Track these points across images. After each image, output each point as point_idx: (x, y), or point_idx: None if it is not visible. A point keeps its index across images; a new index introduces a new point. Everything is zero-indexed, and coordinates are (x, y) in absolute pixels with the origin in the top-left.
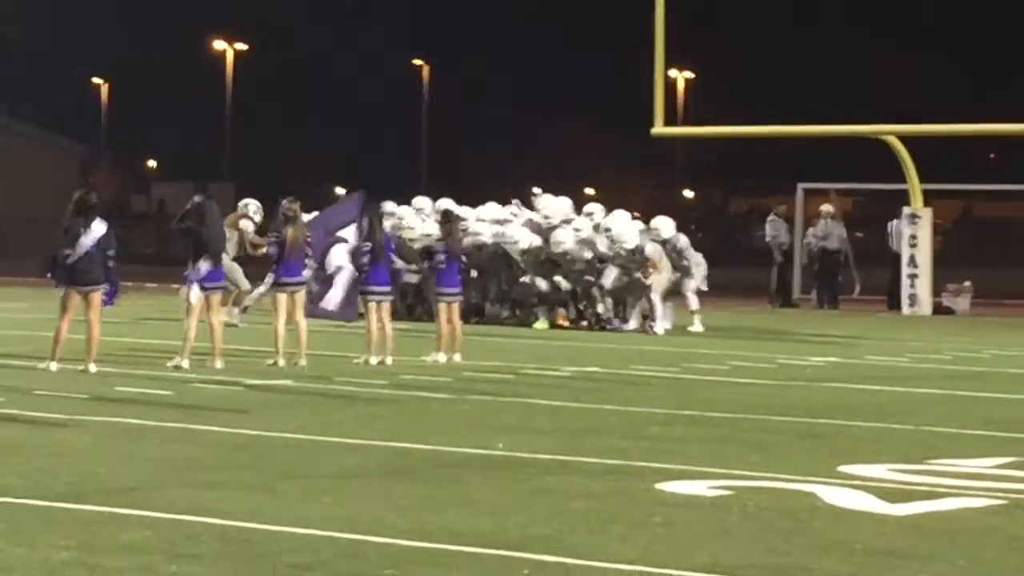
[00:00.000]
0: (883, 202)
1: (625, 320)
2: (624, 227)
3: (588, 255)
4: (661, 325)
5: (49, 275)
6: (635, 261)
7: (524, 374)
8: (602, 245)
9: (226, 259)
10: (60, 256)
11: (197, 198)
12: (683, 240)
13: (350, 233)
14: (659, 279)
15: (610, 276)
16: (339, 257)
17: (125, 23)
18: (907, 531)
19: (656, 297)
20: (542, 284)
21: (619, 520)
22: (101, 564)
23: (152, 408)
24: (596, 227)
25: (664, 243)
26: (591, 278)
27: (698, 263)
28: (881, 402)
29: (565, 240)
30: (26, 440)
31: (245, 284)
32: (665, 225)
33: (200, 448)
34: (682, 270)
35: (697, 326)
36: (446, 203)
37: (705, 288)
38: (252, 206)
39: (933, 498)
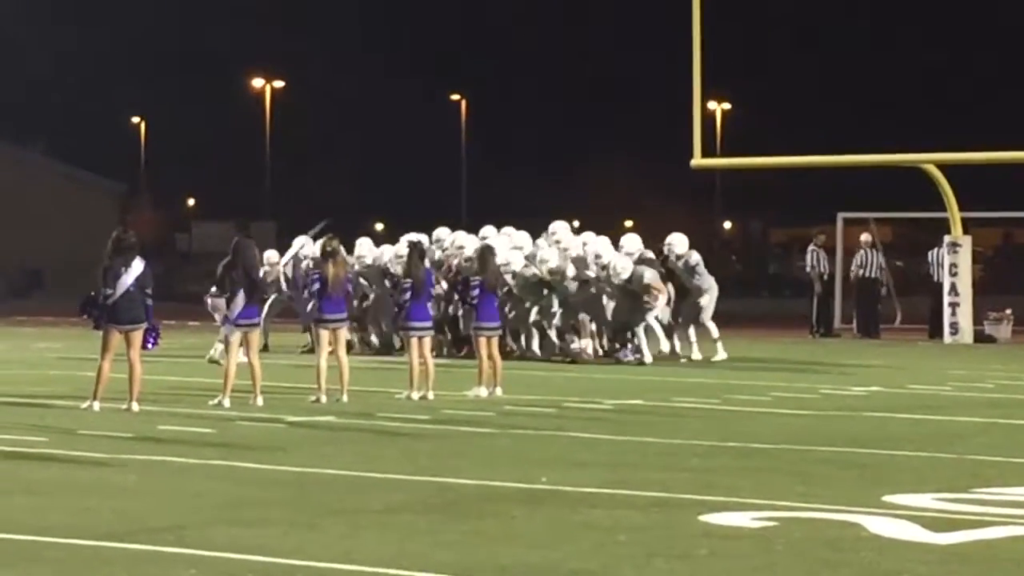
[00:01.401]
0: (923, 230)
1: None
2: (617, 259)
3: (572, 272)
4: (649, 354)
5: (85, 316)
6: (632, 291)
7: (566, 407)
8: (591, 271)
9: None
10: (98, 297)
11: (235, 238)
12: (696, 257)
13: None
14: (660, 304)
15: (609, 307)
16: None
17: (163, 61)
18: (952, 560)
19: (655, 323)
20: (534, 311)
21: (664, 553)
22: None
23: (195, 446)
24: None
25: (678, 259)
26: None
27: (710, 286)
28: (924, 431)
29: (550, 258)
30: (71, 480)
31: None
32: (679, 241)
33: (243, 486)
34: (693, 289)
35: (721, 353)
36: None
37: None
38: None
39: (978, 527)
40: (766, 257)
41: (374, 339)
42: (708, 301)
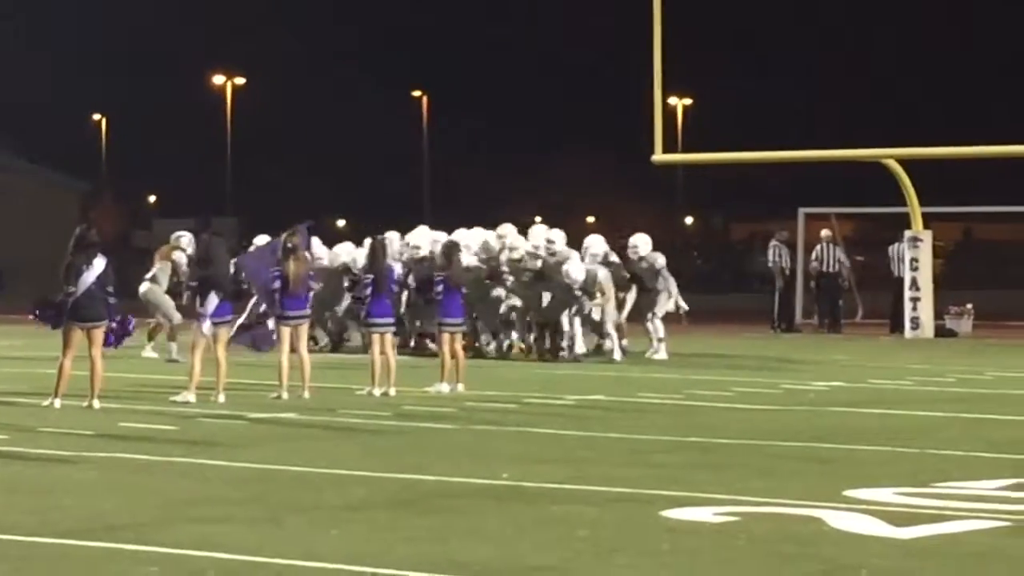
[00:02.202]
0: (884, 225)
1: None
2: (572, 264)
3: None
4: (618, 352)
5: (35, 317)
6: (588, 292)
7: (528, 403)
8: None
9: (158, 291)
10: (52, 298)
11: (204, 236)
12: (661, 260)
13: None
14: (608, 306)
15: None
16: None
17: (123, 58)
18: (914, 554)
19: (611, 325)
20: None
21: (625, 548)
22: None
23: (157, 443)
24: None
25: (641, 260)
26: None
27: (670, 289)
28: (886, 426)
29: (520, 246)
30: (31, 477)
31: (177, 317)
32: (643, 243)
33: (206, 483)
34: (653, 291)
35: (662, 354)
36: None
37: (686, 308)
38: (185, 239)
39: (939, 521)
40: (729, 254)
41: (320, 335)
42: (665, 301)
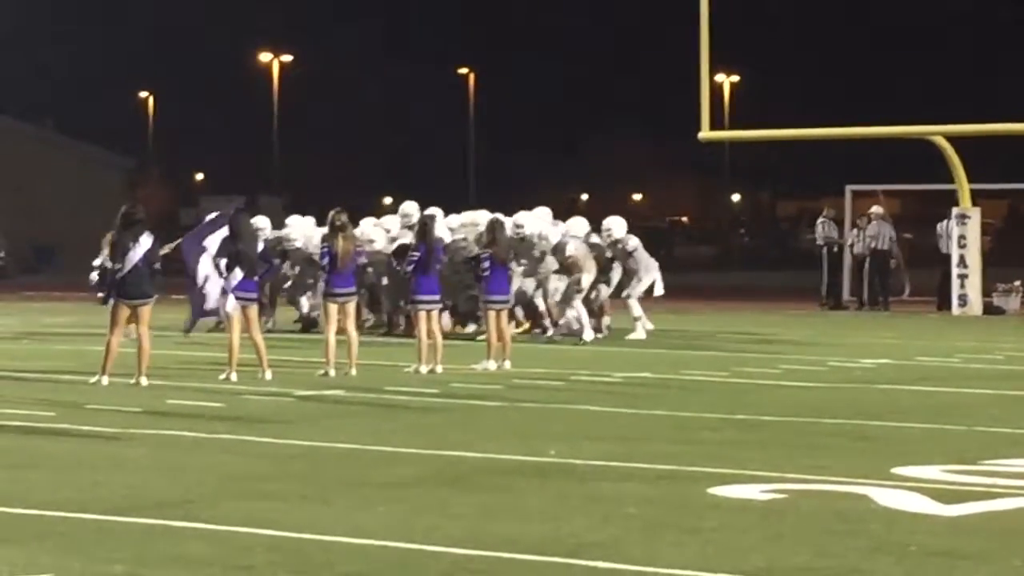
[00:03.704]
0: (932, 202)
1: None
2: (538, 224)
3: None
4: (589, 332)
5: (99, 292)
6: (559, 262)
7: (574, 380)
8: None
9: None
10: (109, 270)
11: (230, 210)
12: (634, 242)
13: (212, 242)
14: (586, 280)
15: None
16: (204, 267)
17: (170, 36)
18: (961, 532)
19: (579, 302)
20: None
21: (672, 525)
22: None
23: (204, 421)
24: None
25: (615, 243)
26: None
27: (649, 267)
28: (933, 403)
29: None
30: (80, 454)
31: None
32: (617, 226)
33: (253, 460)
34: (630, 272)
35: (639, 332)
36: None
37: (661, 293)
38: None
39: (987, 498)
40: (776, 231)
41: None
42: (636, 283)
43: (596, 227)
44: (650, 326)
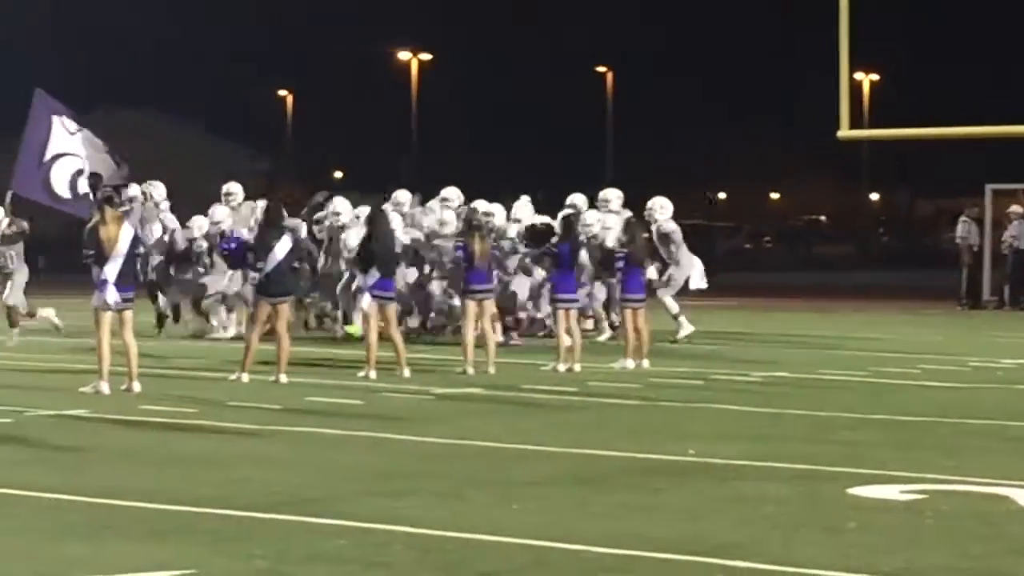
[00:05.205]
0: None
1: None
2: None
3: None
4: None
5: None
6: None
7: (713, 379)
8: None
9: None
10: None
11: (372, 210)
12: (669, 226)
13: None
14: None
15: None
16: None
17: (309, 34)
18: None
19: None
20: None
21: (811, 525)
22: (296, 573)
23: (343, 418)
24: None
25: (656, 224)
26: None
27: (682, 263)
28: None
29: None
30: (220, 451)
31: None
32: (660, 206)
33: (391, 457)
34: (669, 259)
35: (686, 328)
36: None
37: (704, 286)
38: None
39: None
40: (914, 230)
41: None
42: (676, 275)
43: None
44: (690, 328)
